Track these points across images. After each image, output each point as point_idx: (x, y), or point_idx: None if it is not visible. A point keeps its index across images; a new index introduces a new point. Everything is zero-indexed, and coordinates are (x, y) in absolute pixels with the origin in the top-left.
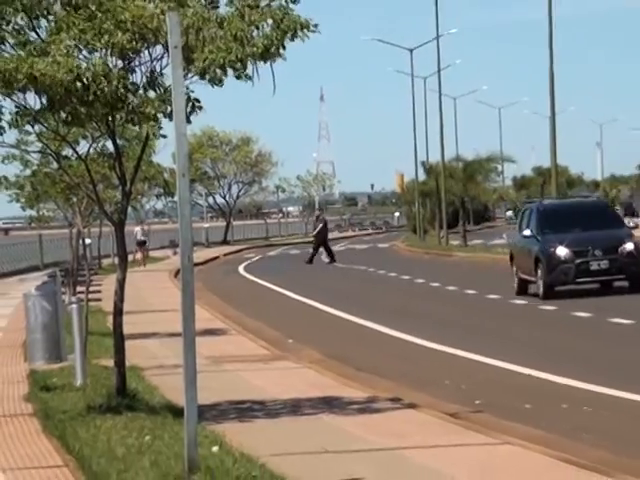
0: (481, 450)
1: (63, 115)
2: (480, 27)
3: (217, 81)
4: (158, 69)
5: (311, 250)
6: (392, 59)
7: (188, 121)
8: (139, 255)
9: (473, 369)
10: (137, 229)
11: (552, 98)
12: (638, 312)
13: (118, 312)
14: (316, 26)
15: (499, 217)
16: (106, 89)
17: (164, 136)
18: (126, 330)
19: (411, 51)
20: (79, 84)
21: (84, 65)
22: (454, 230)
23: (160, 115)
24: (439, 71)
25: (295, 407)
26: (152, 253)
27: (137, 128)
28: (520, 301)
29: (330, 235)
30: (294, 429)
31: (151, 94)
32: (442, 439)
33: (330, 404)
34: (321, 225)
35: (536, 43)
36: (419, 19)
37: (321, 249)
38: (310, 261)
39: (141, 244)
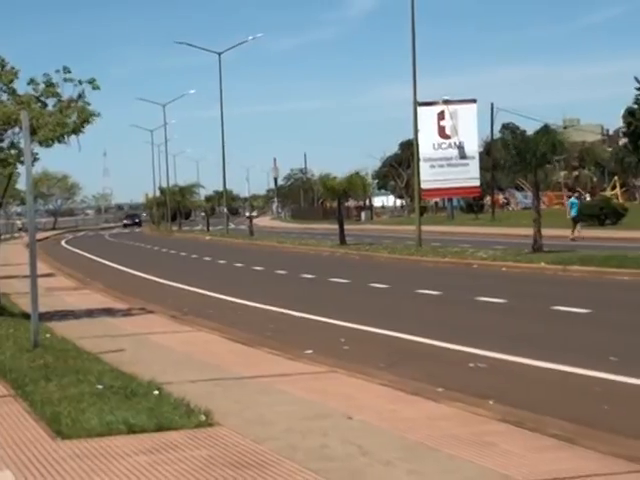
0: (187, 334)
1: None
2: (193, 119)
3: (48, 146)
4: (16, 139)
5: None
6: (145, 136)
7: (32, 165)
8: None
9: (186, 295)
10: (18, 222)
11: (223, 157)
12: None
13: None
14: (99, 114)
15: (198, 216)
16: None
17: (19, 173)
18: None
19: (151, 132)
20: None
21: None
22: (175, 222)
23: (18, 163)
24: (166, 142)
25: (89, 313)
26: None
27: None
28: (222, 261)
29: (105, 225)
30: (89, 325)
31: (12, 152)
32: (168, 329)
33: (108, 312)
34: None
35: (214, 129)
36: (157, 114)
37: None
38: None
39: (21, 229)
